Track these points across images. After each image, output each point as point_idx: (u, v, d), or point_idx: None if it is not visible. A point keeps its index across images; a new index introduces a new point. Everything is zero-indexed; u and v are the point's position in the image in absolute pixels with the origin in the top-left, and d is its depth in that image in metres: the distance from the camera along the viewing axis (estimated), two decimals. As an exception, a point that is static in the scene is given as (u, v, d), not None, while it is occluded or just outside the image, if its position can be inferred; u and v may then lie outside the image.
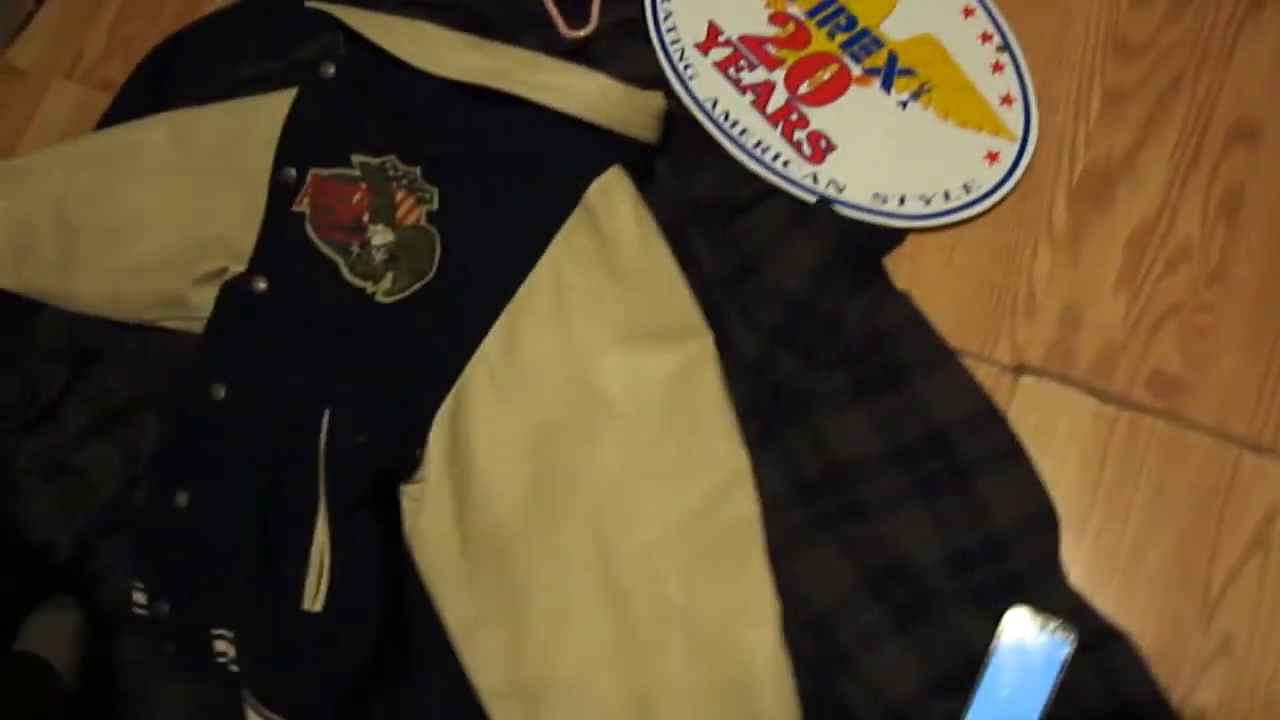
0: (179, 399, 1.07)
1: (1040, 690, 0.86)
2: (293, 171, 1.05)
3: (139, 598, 1.01)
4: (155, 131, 1.13)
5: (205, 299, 1.07)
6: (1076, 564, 0.90)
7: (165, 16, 1.26)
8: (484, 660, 0.93)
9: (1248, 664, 0.86)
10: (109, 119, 1.22)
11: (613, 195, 0.96)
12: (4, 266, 1.15)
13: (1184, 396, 0.92)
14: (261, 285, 1.04)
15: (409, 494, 0.98)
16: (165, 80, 1.22)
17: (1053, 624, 0.86)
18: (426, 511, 0.96)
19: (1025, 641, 0.87)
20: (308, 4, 1.07)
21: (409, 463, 0.97)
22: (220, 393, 1.03)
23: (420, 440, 0.96)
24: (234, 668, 0.97)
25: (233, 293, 1.06)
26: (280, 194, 1.06)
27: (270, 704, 0.94)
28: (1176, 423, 0.92)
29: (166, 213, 1.10)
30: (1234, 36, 0.99)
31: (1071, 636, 0.86)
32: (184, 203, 1.10)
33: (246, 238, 1.07)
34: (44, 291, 1.13)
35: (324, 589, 0.94)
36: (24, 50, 1.30)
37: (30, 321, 1.14)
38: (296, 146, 1.06)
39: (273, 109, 1.10)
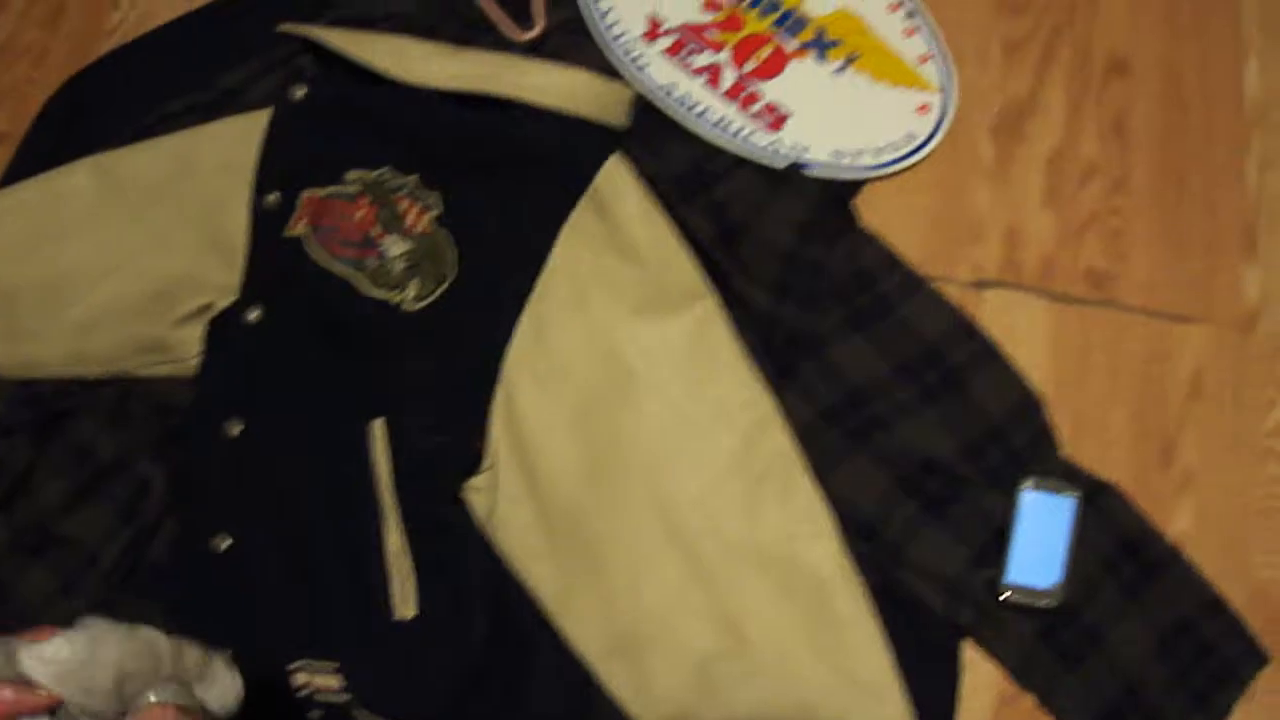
0: (190, 443, 1.06)
1: (1060, 543, 1.01)
2: (275, 196, 1.07)
3: None
4: (78, 177, 1.11)
5: (188, 338, 1.07)
6: (1059, 435, 1.06)
7: (53, 60, 1.24)
8: (581, 627, 0.99)
9: (1206, 491, 1.05)
10: (14, 173, 1.18)
11: (617, 180, 1.04)
12: None
13: (1114, 286, 1.11)
14: (256, 315, 1.05)
15: (474, 486, 1.02)
16: (74, 124, 1.19)
17: (1058, 486, 1.02)
18: (502, 498, 1.01)
19: (1039, 505, 1.02)
20: (282, 29, 1.09)
21: (475, 456, 1.01)
22: (235, 429, 1.04)
23: (483, 431, 1.01)
24: (322, 696, 0.98)
25: (224, 327, 1.07)
26: (266, 220, 1.07)
27: (388, 714, 0.96)
28: (1112, 308, 1.10)
29: (111, 259, 1.08)
30: (1094, -11, 1.20)
31: (1076, 494, 1.02)
32: (129, 246, 1.09)
33: (217, 270, 1.07)
34: None
35: (412, 594, 0.98)
36: (-114, 111, 1.23)
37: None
38: (278, 171, 1.08)
39: (216, 139, 1.11)
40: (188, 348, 1.07)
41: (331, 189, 1.07)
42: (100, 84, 1.21)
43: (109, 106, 1.18)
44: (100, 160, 1.11)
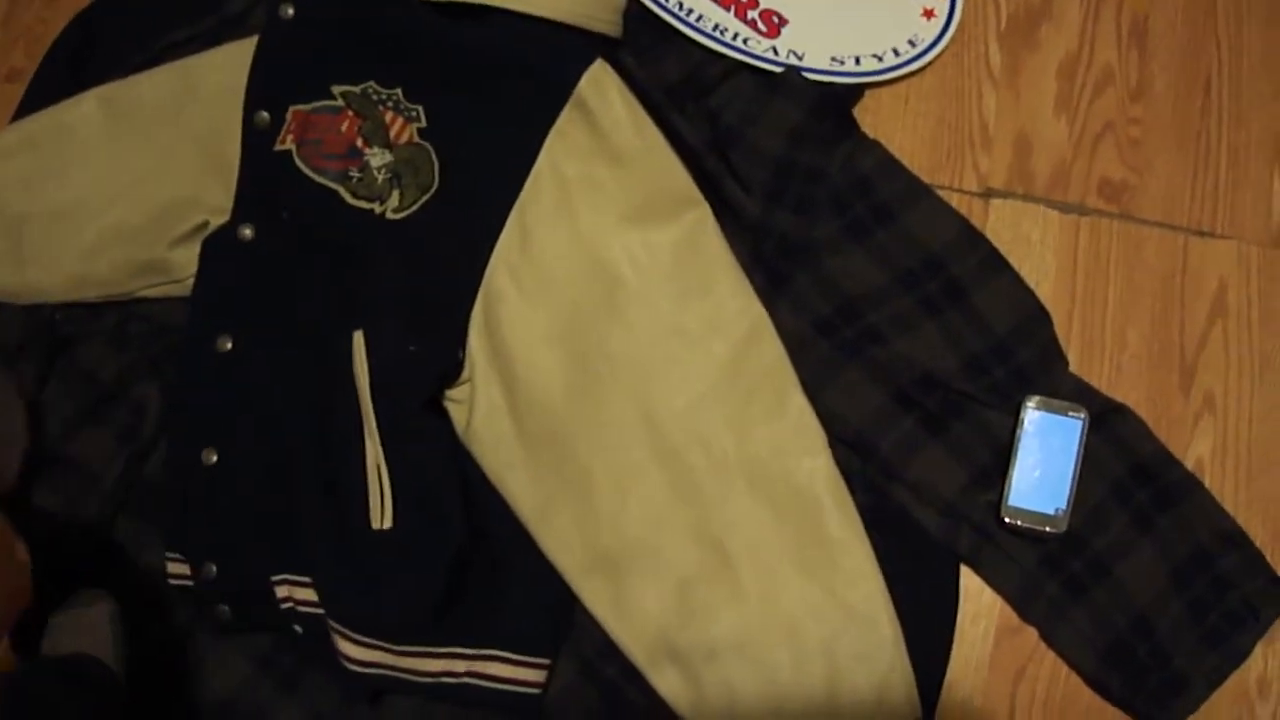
0: (183, 360, 1.06)
1: (1066, 466, 0.95)
2: (265, 115, 1.06)
3: (177, 569, 1.00)
4: (86, 108, 1.13)
5: (187, 258, 1.08)
6: (1070, 353, 1.00)
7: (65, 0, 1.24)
8: (561, 541, 0.97)
9: (1228, 416, 0.99)
10: (26, 107, 1.20)
11: (602, 86, 1.00)
12: None
13: (1131, 198, 1.05)
14: (248, 232, 1.05)
15: (453, 398, 1.01)
16: (83, 59, 1.20)
17: (1065, 407, 0.97)
18: (479, 410, 0.99)
19: (1044, 426, 0.96)
20: None
21: (453, 367, 0.99)
22: (227, 344, 1.04)
23: (461, 341, 0.99)
24: (303, 609, 0.97)
25: (218, 244, 1.07)
26: (256, 138, 1.07)
27: (360, 629, 0.94)
28: (1129, 220, 1.04)
29: (116, 185, 1.09)
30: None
31: (1083, 415, 0.96)
32: (133, 172, 1.10)
33: (215, 191, 1.08)
34: None
35: (388, 505, 0.95)
36: (-93, 52, 1.24)
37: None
38: (267, 89, 1.08)
39: (216, 64, 1.11)
40: (185, 268, 1.07)
41: (317, 103, 1.05)
42: (108, 17, 1.21)
43: (117, 39, 1.19)
44: (106, 90, 1.12)
